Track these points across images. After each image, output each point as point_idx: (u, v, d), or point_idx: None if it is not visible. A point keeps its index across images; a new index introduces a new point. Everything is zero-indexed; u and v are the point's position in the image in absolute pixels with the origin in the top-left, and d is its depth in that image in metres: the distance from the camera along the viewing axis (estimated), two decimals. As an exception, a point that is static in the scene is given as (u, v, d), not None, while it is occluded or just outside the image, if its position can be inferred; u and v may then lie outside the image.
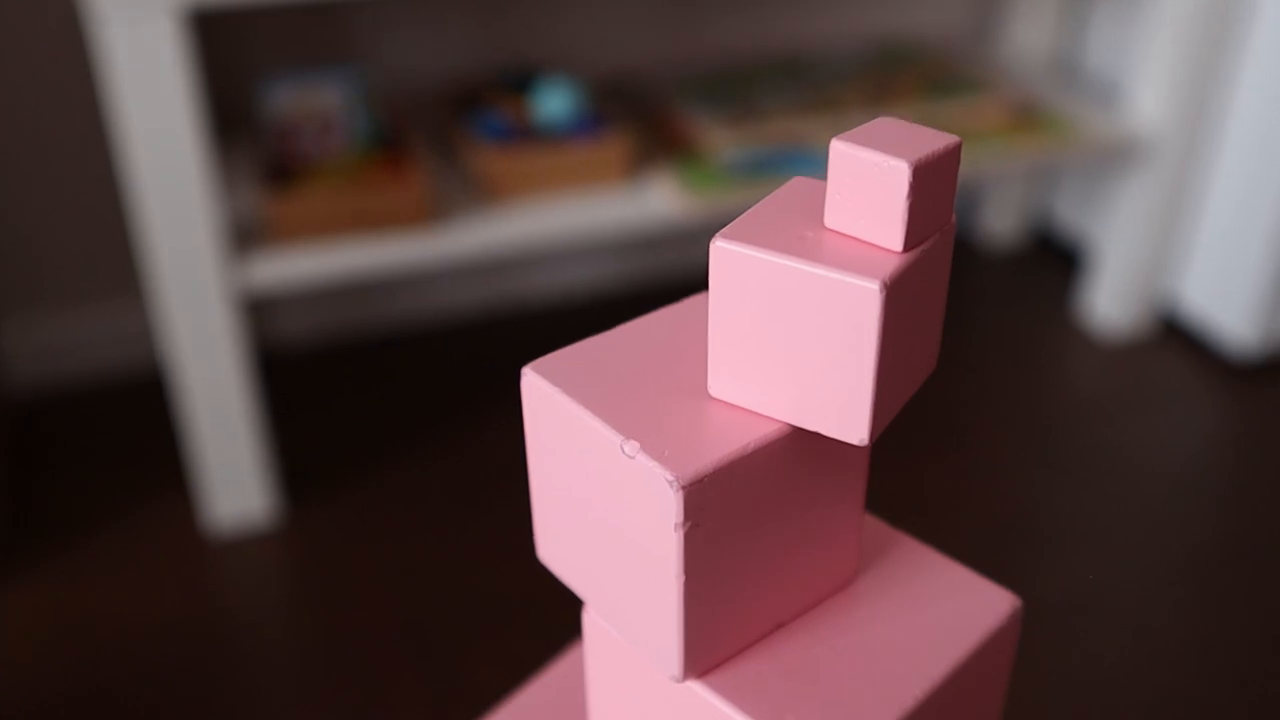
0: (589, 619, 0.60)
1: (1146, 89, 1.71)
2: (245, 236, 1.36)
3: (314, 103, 1.43)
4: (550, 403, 0.54)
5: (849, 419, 0.50)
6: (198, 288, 1.29)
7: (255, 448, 1.40)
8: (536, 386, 0.54)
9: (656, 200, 1.47)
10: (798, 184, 0.54)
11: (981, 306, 1.95)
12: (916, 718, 0.54)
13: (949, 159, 0.49)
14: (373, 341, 1.80)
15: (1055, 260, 2.04)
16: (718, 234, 0.50)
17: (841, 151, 0.49)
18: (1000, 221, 2.08)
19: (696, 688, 0.55)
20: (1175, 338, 1.85)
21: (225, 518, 1.44)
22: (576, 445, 0.53)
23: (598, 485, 0.53)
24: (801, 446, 0.53)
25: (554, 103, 1.48)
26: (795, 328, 0.50)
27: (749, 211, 0.52)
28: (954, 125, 1.68)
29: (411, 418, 1.64)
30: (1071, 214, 2.04)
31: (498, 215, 1.43)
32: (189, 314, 1.31)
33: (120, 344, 1.70)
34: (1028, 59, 1.93)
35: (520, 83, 1.56)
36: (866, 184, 0.49)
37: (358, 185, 1.37)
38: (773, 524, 0.54)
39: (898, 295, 0.48)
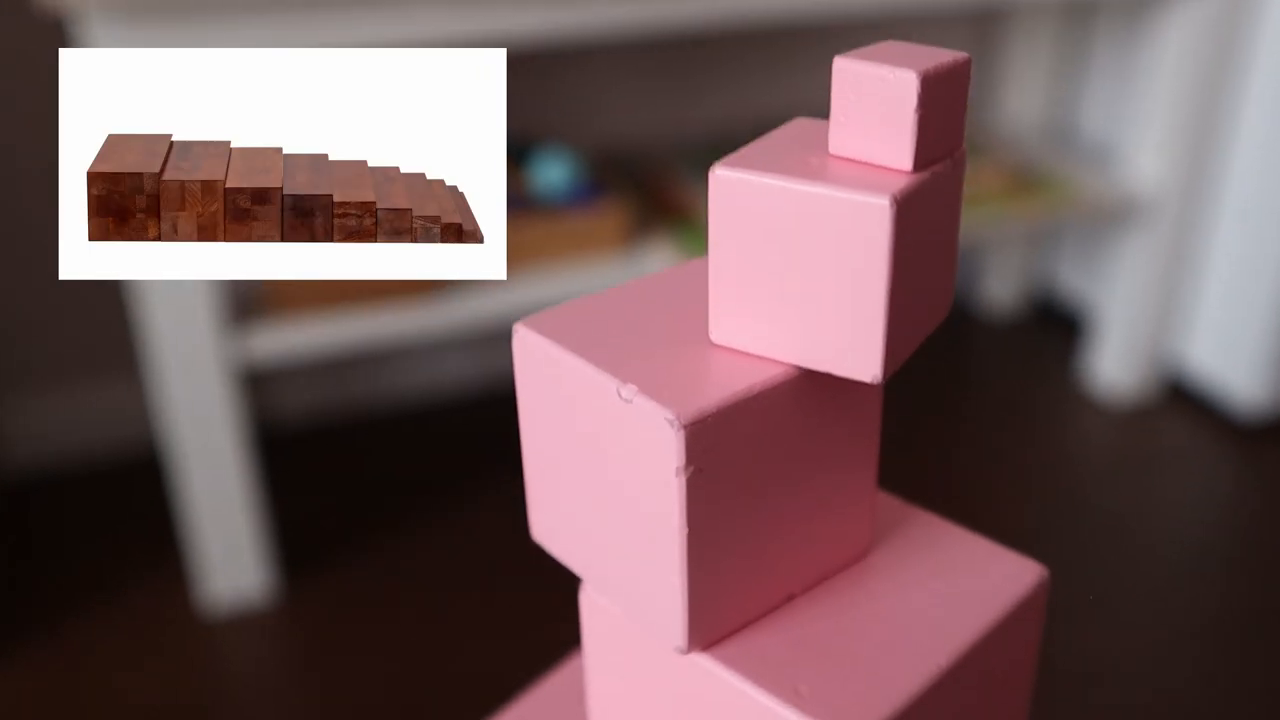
0: (586, 601, 0.54)
1: (1142, 151, 1.69)
2: (244, 307, 1.33)
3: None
4: (544, 357, 0.49)
5: (860, 355, 0.45)
6: (195, 359, 1.25)
7: (252, 523, 1.35)
8: (528, 342, 0.50)
9: (654, 268, 1.44)
10: (800, 122, 0.50)
11: (986, 372, 1.90)
12: (939, 690, 0.48)
13: (958, 75, 0.45)
14: (369, 419, 1.76)
15: (1059, 326, 2.00)
16: (716, 163, 0.46)
17: (845, 68, 0.45)
18: (1002, 289, 2.04)
19: (702, 660, 0.49)
20: (1182, 399, 1.80)
21: (221, 595, 1.38)
22: (571, 400, 0.49)
23: (595, 443, 0.48)
24: (810, 391, 0.48)
25: (552, 172, 1.45)
26: (801, 258, 0.45)
27: (749, 145, 0.48)
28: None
29: (407, 494, 1.58)
30: (1073, 280, 2.00)
31: (496, 284, 1.39)
32: (186, 387, 1.26)
33: (116, 423, 1.65)
34: (1023, 125, 1.92)
35: (518, 153, 1.54)
36: (872, 101, 0.45)
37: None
38: (780, 479, 0.48)
39: (908, 216, 0.44)
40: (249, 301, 1.34)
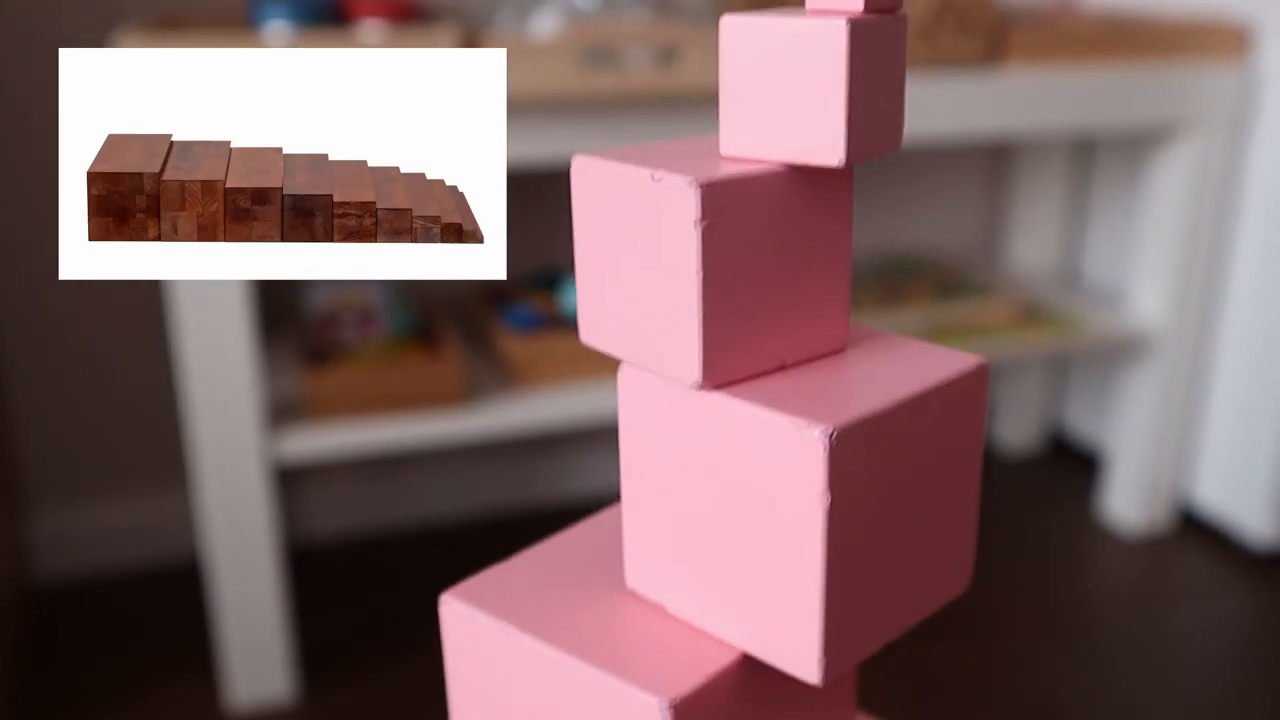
0: (624, 380, 0.53)
1: (1145, 291, 1.63)
2: (282, 411, 1.28)
3: (355, 296, 1.37)
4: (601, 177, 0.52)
5: (826, 143, 0.48)
6: (236, 459, 1.21)
7: (280, 631, 1.28)
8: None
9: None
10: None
11: (1001, 507, 1.82)
12: (900, 416, 0.48)
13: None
14: (396, 538, 1.68)
15: (1070, 465, 1.92)
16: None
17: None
18: (1014, 432, 1.96)
19: (714, 395, 0.49)
20: (1194, 532, 1.70)
21: (244, 701, 1.30)
22: (616, 212, 0.51)
23: (634, 236, 0.50)
24: (794, 184, 0.51)
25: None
26: (778, 71, 0.49)
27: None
28: (963, 322, 1.61)
29: (429, 611, 1.50)
30: (1083, 420, 1.93)
31: (525, 397, 1.35)
32: (225, 486, 1.21)
33: (144, 536, 1.59)
34: (1031, 269, 1.87)
35: (549, 282, 1.51)
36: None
37: (392, 365, 1.30)
38: (774, 254, 0.50)
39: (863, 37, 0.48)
40: (287, 406, 1.30)
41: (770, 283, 0.51)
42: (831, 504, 0.44)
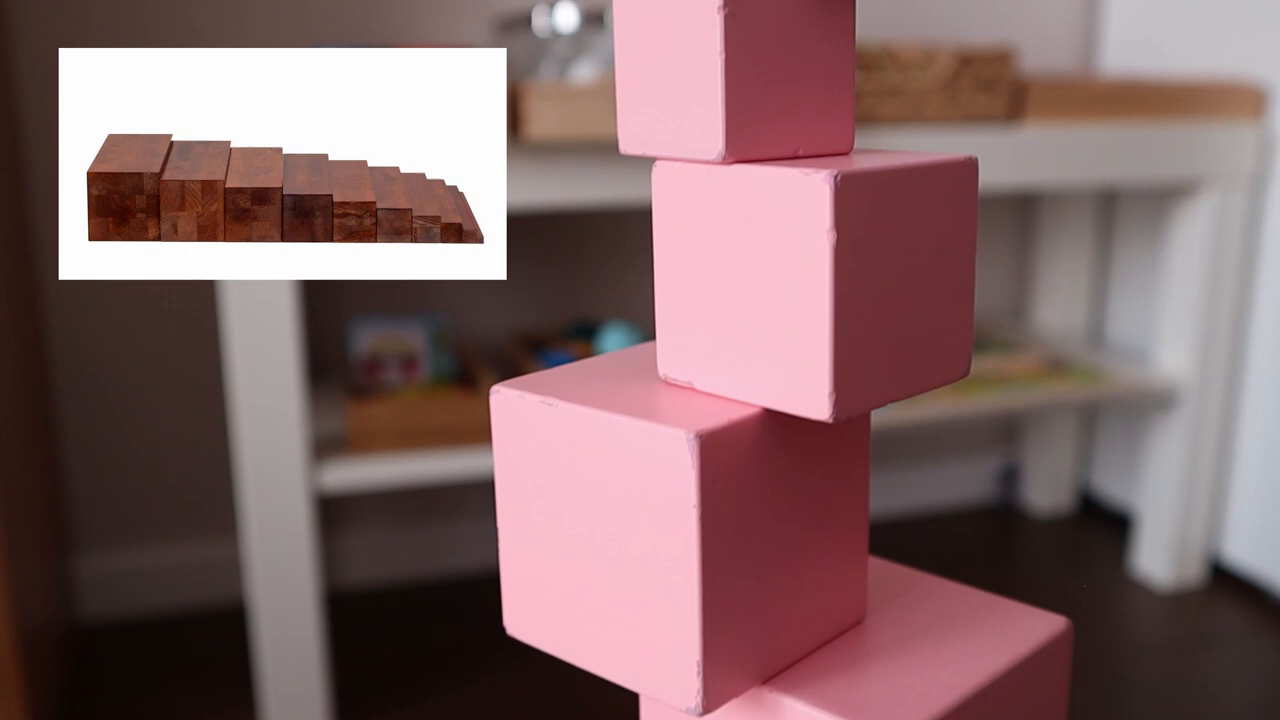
0: (659, 170, 0.51)
1: (1168, 346, 1.56)
2: (325, 445, 1.25)
3: (399, 341, 1.34)
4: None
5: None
6: (281, 489, 1.17)
7: (321, 663, 1.23)
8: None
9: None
10: None
11: (1031, 567, 1.74)
12: (898, 178, 0.48)
13: None
14: (427, 588, 1.63)
15: (1100, 525, 1.83)
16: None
17: None
18: (1044, 495, 1.87)
19: (737, 168, 0.49)
20: (1225, 586, 1.61)
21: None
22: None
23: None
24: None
25: (616, 341, 1.38)
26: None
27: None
28: (992, 375, 1.55)
29: (461, 656, 1.44)
30: (1111, 483, 1.84)
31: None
32: (270, 514, 1.17)
33: (185, 580, 1.55)
34: (1057, 331, 1.81)
35: (586, 332, 1.47)
36: None
37: (433, 403, 1.26)
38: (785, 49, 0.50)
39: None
40: (330, 441, 1.26)
41: (785, 63, 0.50)
42: (837, 241, 0.45)
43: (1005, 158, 1.37)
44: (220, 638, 1.46)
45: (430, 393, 1.29)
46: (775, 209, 0.46)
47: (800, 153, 0.51)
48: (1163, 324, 1.57)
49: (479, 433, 1.25)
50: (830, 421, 0.45)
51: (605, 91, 1.13)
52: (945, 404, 1.44)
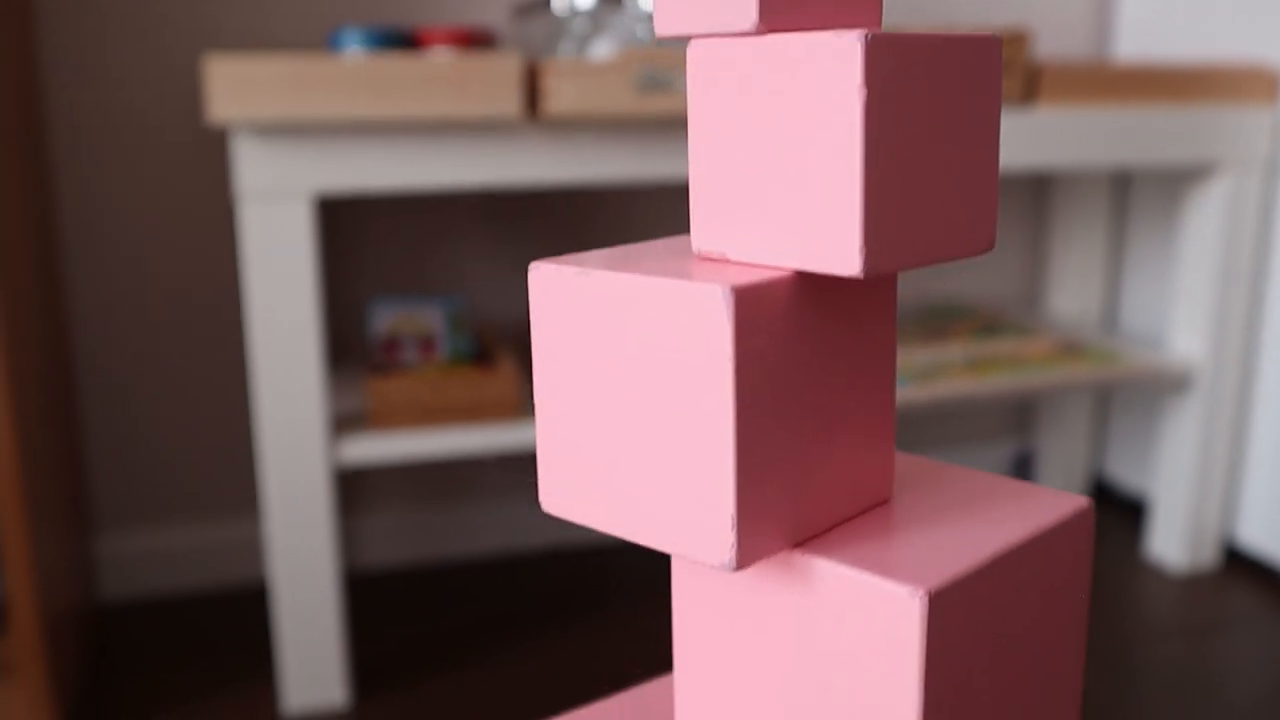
0: (693, 50, 0.52)
1: (1182, 329, 1.56)
2: (345, 422, 1.25)
3: (417, 322, 1.35)
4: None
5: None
6: (302, 464, 1.17)
7: (339, 637, 1.23)
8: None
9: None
10: None
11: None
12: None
13: None
14: (446, 569, 1.63)
15: (1114, 511, 1.82)
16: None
17: None
18: (1057, 482, 1.87)
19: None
20: (1239, 569, 1.60)
21: (299, 708, 1.25)
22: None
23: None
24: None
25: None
26: None
27: None
28: (1004, 357, 1.55)
29: (479, 635, 1.44)
30: (1124, 470, 1.84)
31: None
32: (291, 489, 1.18)
33: (205, 559, 1.56)
34: (1071, 316, 1.81)
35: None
36: None
37: (451, 379, 1.27)
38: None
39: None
40: (349, 417, 1.26)
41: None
42: (868, 98, 0.45)
43: (1019, 140, 1.37)
44: (240, 617, 1.47)
45: (449, 370, 1.29)
46: (808, 73, 0.47)
47: (830, 26, 0.52)
48: (1177, 308, 1.57)
49: (497, 409, 1.26)
50: (861, 277, 0.46)
51: (623, 68, 1.14)
52: (960, 383, 1.44)
